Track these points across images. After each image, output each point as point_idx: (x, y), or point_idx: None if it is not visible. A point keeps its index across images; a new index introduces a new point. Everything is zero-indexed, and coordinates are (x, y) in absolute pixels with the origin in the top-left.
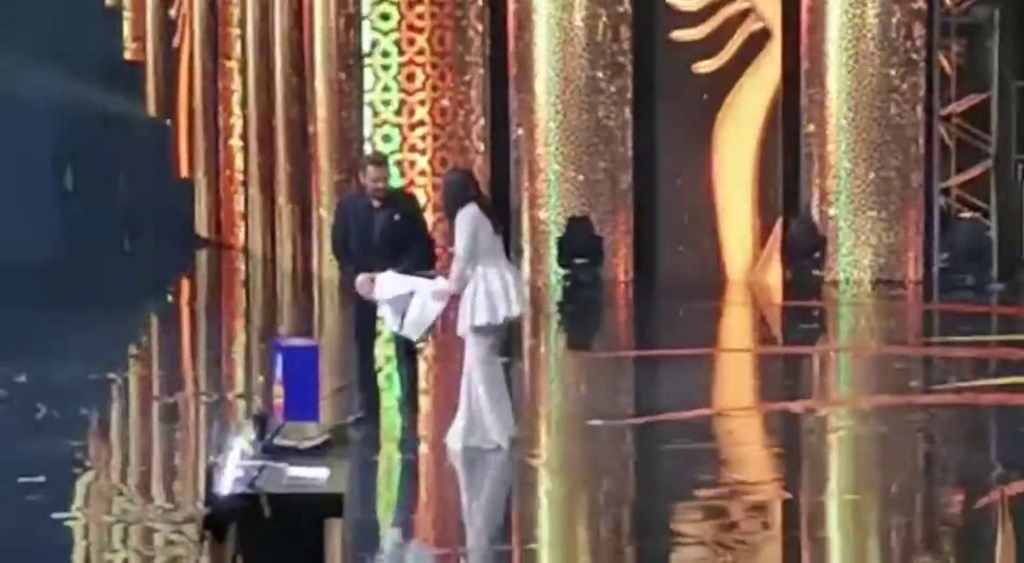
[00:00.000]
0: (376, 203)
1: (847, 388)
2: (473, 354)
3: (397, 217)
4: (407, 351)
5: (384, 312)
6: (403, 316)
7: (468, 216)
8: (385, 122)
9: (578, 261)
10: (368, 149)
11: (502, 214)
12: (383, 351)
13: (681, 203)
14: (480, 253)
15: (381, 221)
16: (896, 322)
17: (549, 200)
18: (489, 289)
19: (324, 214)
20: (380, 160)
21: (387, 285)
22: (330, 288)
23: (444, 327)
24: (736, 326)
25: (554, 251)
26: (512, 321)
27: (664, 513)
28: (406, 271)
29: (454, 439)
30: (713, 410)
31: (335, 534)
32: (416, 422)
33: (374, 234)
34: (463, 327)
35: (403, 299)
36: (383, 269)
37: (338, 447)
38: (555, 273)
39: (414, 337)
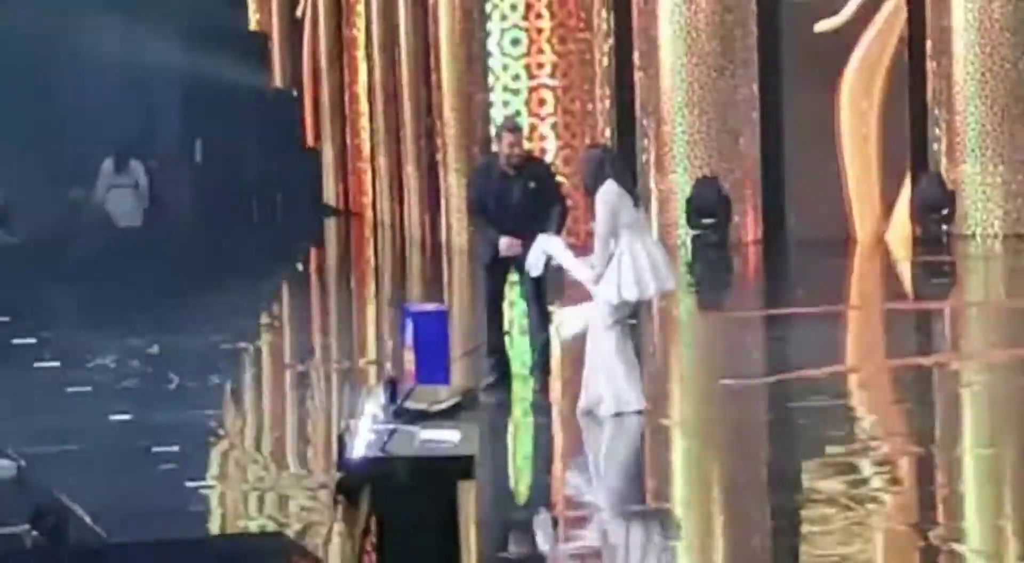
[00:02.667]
0: (511, 171)
1: (979, 342)
2: (601, 321)
3: (532, 185)
4: (540, 315)
5: (536, 261)
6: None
7: (607, 194)
8: (506, 88)
9: (707, 221)
10: (499, 117)
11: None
12: (513, 316)
13: (809, 160)
14: (623, 228)
15: (517, 189)
16: None
17: (676, 161)
18: (636, 264)
19: (452, 181)
20: (515, 127)
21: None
22: (458, 255)
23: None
24: (866, 283)
25: (683, 211)
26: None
27: (796, 470)
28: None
29: (585, 404)
30: (845, 367)
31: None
32: (547, 387)
33: (511, 202)
34: (608, 301)
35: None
36: (523, 236)
37: (468, 410)
38: (684, 234)
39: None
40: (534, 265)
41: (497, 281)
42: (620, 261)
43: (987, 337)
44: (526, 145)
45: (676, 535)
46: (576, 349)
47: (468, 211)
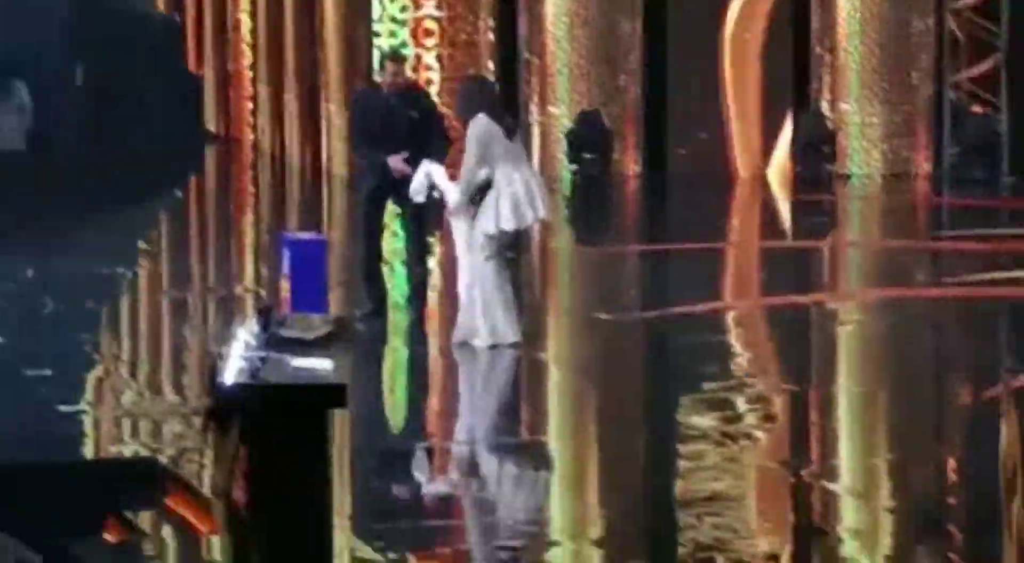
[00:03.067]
0: (393, 100)
1: (856, 281)
2: (480, 254)
3: (415, 114)
4: (419, 246)
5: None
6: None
7: (476, 126)
8: (393, 19)
9: (587, 155)
10: (384, 46)
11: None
12: (392, 246)
13: (690, 97)
14: (496, 160)
15: (400, 118)
16: (906, 215)
17: (558, 95)
18: (514, 193)
19: (333, 109)
20: (397, 56)
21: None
22: (339, 184)
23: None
24: (745, 220)
25: (564, 145)
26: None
27: (671, 406)
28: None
29: (461, 335)
30: (722, 303)
31: (339, 425)
32: (424, 318)
33: (393, 130)
34: (485, 231)
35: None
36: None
37: (343, 339)
38: (564, 167)
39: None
40: (417, 191)
41: (377, 210)
42: (498, 192)
43: (864, 276)
44: (411, 75)
45: (550, 469)
46: (454, 280)
47: (351, 138)
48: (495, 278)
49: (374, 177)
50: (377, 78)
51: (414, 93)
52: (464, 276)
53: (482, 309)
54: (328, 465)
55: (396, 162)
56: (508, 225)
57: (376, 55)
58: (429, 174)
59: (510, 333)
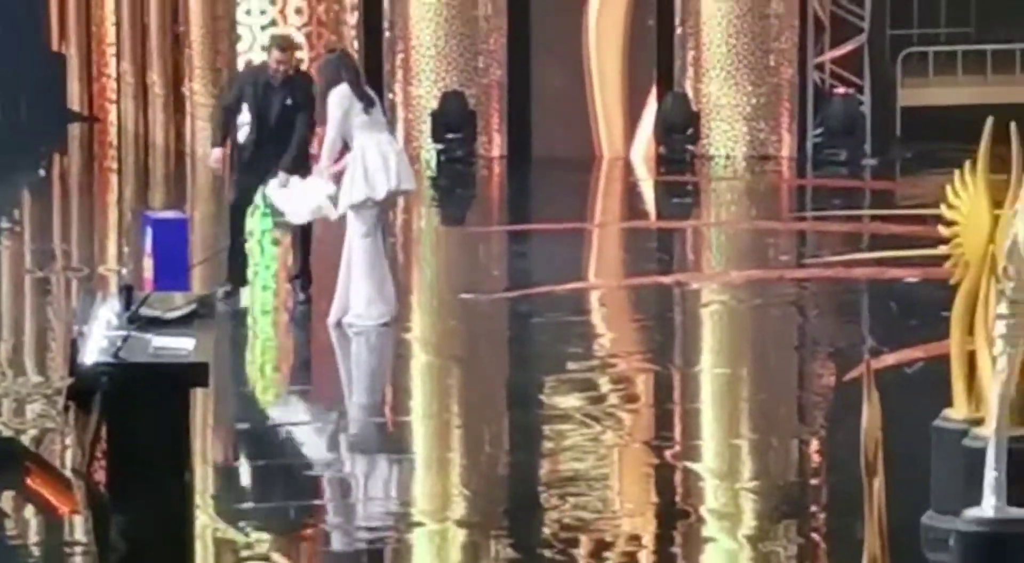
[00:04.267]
0: (276, 83)
1: (719, 262)
2: (353, 230)
3: (290, 101)
4: (302, 228)
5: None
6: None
7: (336, 96)
8: None
9: (451, 136)
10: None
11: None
12: (259, 225)
13: (554, 77)
14: (354, 131)
15: (277, 102)
16: (769, 197)
17: (423, 75)
18: (367, 165)
19: (196, 88)
20: (286, 45)
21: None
22: (202, 163)
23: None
24: (609, 201)
25: (427, 126)
26: (399, 195)
27: (535, 386)
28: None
29: (334, 315)
30: (586, 284)
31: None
32: (296, 297)
33: (269, 113)
34: (343, 205)
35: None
36: (270, 149)
37: (204, 317)
38: (429, 148)
39: (299, 221)
40: (295, 215)
41: (243, 189)
42: (354, 163)
43: (727, 257)
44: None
45: (414, 449)
46: (327, 259)
47: (223, 107)
48: (370, 255)
49: (241, 154)
50: (265, 58)
51: (296, 78)
52: (344, 254)
53: (356, 287)
54: (189, 444)
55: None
56: (359, 195)
57: (264, 38)
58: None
59: (384, 313)
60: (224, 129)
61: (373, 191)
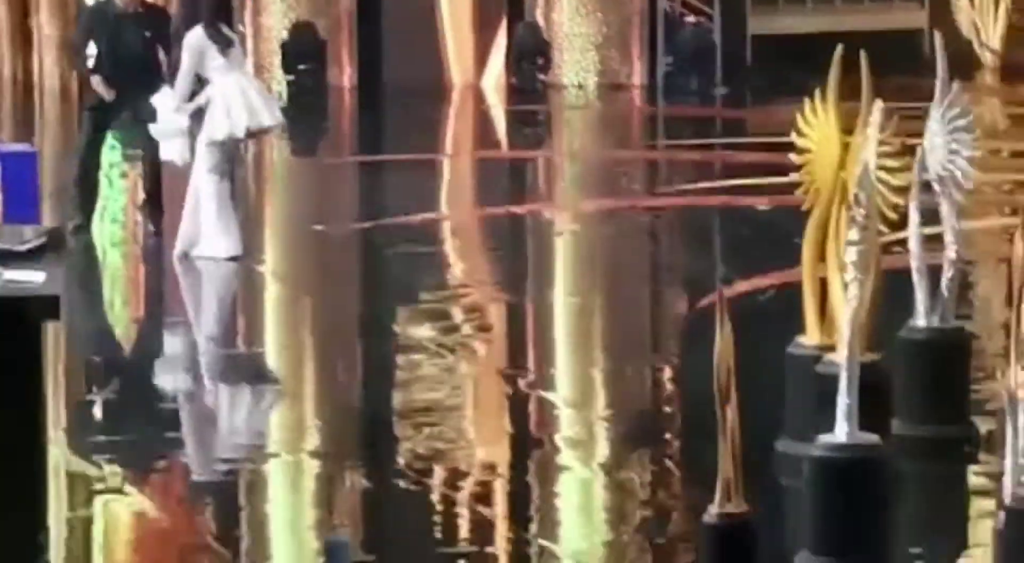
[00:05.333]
0: (128, 17)
1: (572, 192)
2: (202, 164)
3: (148, 34)
4: (151, 161)
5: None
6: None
7: (191, 38)
8: None
9: (302, 66)
10: None
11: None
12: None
13: (405, 7)
14: (212, 72)
15: (131, 35)
16: (621, 126)
17: (273, 6)
18: (228, 103)
19: (44, 21)
20: None
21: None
22: (51, 95)
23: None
24: (460, 131)
25: (278, 57)
26: (263, 133)
27: (388, 317)
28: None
29: (180, 246)
30: (438, 214)
31: (52, 337)
32: (147, 227)
33: (124, 47)
34: (202, 142)
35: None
36: (127, 83)
37: (55, 250)
38: (279, 80)
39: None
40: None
41: (98, 123)
42: (213, 101)
43: (579, 187)
44: None
45: (268, 381)
46: (177, 192)
47: (74, 51)
48: (217, 189)
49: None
50: None
51: (152, 11)
52: (191, 187)
53: (203, 220)
54: (41, 378)
55: (97, 84)
56: (221, 132)
57: None
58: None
59: (230, 247)
60: (83, 64)
61: (235, 128)
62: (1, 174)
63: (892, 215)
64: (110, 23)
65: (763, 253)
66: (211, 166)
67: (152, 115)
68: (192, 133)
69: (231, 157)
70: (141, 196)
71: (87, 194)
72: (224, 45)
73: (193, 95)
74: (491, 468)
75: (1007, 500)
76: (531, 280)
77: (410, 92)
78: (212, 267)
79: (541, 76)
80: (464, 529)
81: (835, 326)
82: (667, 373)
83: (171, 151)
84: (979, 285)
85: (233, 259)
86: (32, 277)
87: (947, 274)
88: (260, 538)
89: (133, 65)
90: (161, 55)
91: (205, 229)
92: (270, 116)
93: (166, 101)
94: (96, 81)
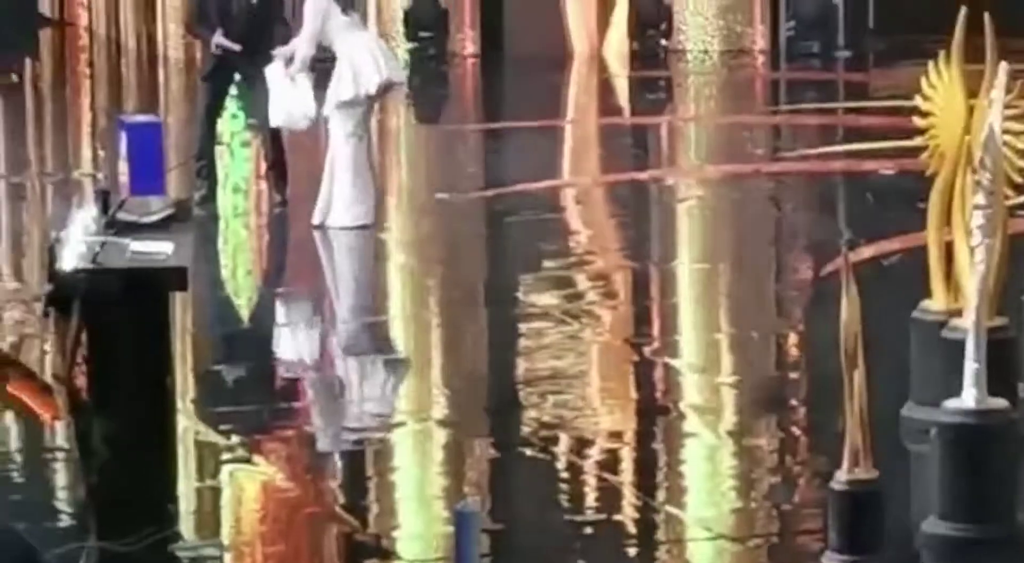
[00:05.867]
0: None
1: (696, 157)
2: (338, 131)
3: (255, 1)
4: (273, 131)
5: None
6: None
7: (313, 3)
8: None
9: (424, 34)
10: None
11: None
12: (230, 127)
13: None
14: (335, 33)
15: (239, 2)
16: (743, 91)
17: None
18: (355, 62)
19: None
20: None
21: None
22: (174, 67)
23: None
24: (582, 98)
25: (400, 25)
26: (390, 89)
27: (512, 285)
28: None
29: (319, 215)
30: (561, 181)
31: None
32: (273, 198)
33: (233, 13)
34: (331, 104)
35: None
36: (245, 48)
37: (181, 221)
38: (402, 47)
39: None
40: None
41: (216, 93)
42: (339, 64)
43: (702, 152)
44: None
45: (395, 350)
46: (307, 163)
47: (188, 22)
48: (354, 156)
49: (212, 61)
50: None
51: None
52: (329, 155)
53: (338, 188)
54: (169, 349)
55: (220, 38)
56: (347, 94)
57: None
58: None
59: (360, 214)
60: (206, 32)
61: (363, 87)
62: (127, 146)
63: (1018, 179)
64: None
65: (888, 218)
66: (348, 131)
67: (265, 83)
68: (317, 98)
69: (365, 119)
70: (264, 165)
71: (210, 164)
72: (346, 4)
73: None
74: (617, 436)
75: None
76: (655, 247)
77: (532, 60)
78: (338, 236)
79: (663, 42)
80: (591, 497)
81: (961, 291)
82: (793, 339)
83: (292, 120)
84: None
85: (363, 227)
86: (159, 248)
87: None
88: (388, 507)
89: (246, 26)
90: (282, 20)
91: (338, 196)
92: (398, 72)
93: (278, 72)
94: (218, 38)
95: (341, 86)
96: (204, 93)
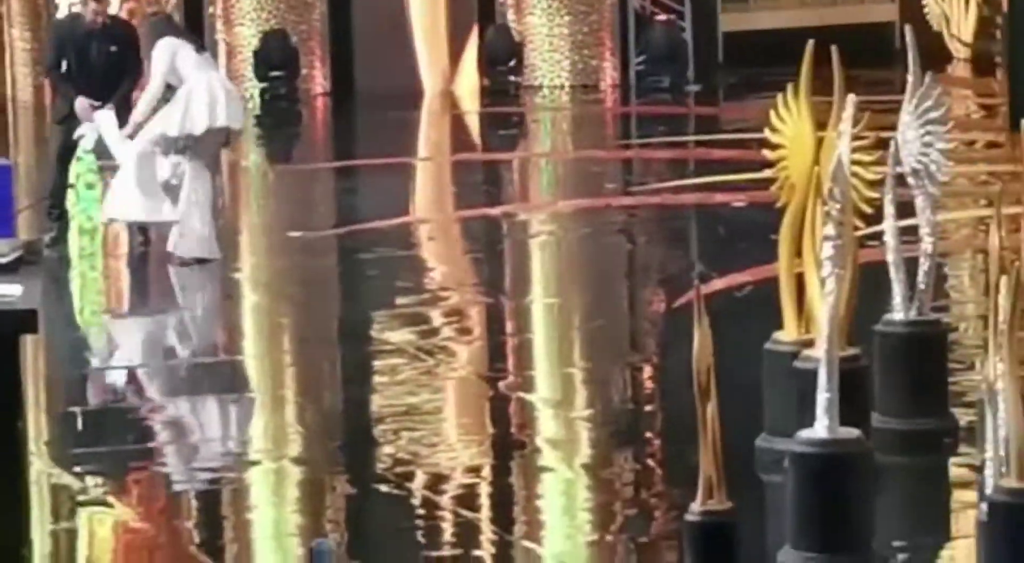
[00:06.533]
0: (93, 34)
1: (547, 192)
2: (192, 166)
3: (114, 48)
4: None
5: (89, 133)
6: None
7: (164, 44)
8: None
9: (274, 74)
10: None
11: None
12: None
13: (376, 13)
14: (186, 71)
15: (97, 50)
16: (594, 125)
17: (245, 16)
18: (190, 100)
19: (15, 34)
20: None
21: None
22: (23, 110)
23: None
24: (434, 135)
25: (250, 65)
26: (224, 133)
27: (365, 321)
28: (118, 107)
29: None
30: (414, 218)
31: (30, 351)
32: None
33: (91, 62)
34: (151, 134)
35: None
36: (100, 97)
37: (31, 264)
38: (252, 87)
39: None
40: (86, 138)
41: (68, 137)
42: (176, 99)
43: (554, 187)
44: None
45: (248, 388)
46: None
47: (46, 67)
48: (203, 195)
49: (66, 105)
50: (78, 8)
51: (118, 25)
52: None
53: (188, 225)
54: (20, 391)
55: (83, 106)
56: (200, 126)
57: None
58: (98, 126)
59: (211, 249)
60: (63, 85)
61: (213, 119)
62: None
63: (867, 209)
64: (78, 38)
65: (739, 250)
66: (198, 168)
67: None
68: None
69: (178, 148)
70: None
71: (60, 206)
72: (198, 46)
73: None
74: (473, 470)
75: (989, 492)
76: (508, 281)
77: (383, 97)
78: (189, 271)
79: (513, 78)
80: (448, 533)
81: (813, 321)
82: (647, 372)
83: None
84: (955, 277)
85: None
86: (9, 291)
87: (923, 267)
88: (244, 546)
89: (101, 78)
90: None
91: (119, 189)
92: (236, 119)
93: (108, 120)
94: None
95: (195, 119)
96: (57, 135)
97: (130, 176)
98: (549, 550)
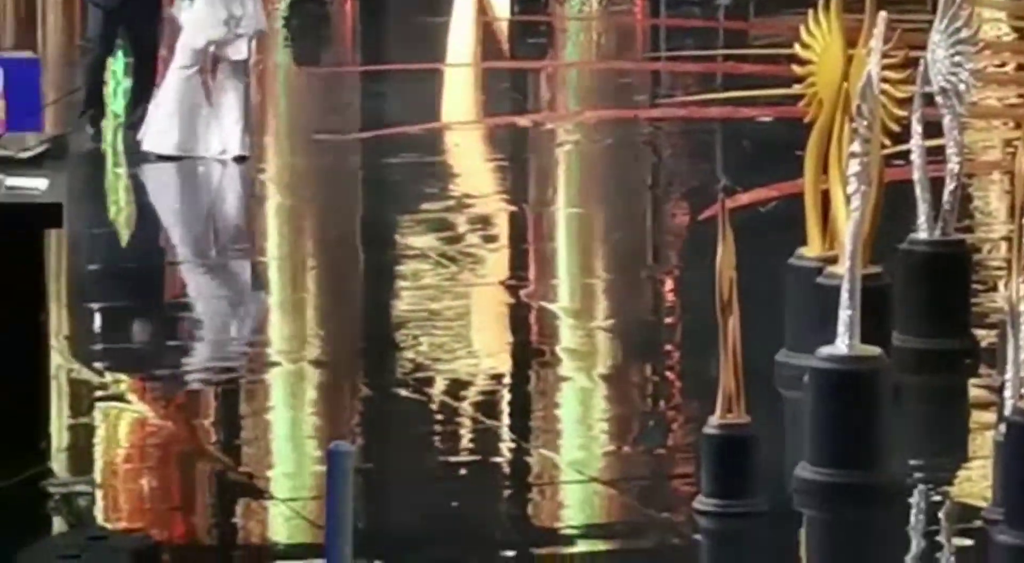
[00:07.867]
0: None
1: (574, 102)
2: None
3: None
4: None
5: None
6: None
7: None
8: None
9: None
10: None
11: None
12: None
13: None
14: None
15: None
16: (623, 37)
17: None
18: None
19: None
20: None
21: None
22: (53, 2)
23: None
24: (463, 41)
25: None
26: (246, 37)
27: (390, 226)
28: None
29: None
30: (441, 124)
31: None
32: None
33: None
34: (193, 40)
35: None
36: None
37: (57, 158)
38: None
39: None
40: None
41: (109, 30)
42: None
43: (581, 97)
44: None
45: (269, 288)
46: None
47: None
48: (182, 89)
49: None
50: None
51: None
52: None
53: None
54: (44, 284)
55: None
56: (217, 34)
57: None
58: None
59: (175, 146)
60: None
61: (231, 30)
62: (4, 82)
63: (894, 127)
64: None
65: (765, 165)
66: (188, 65)
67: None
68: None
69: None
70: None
71: (93, 98)
72: None
73: None
74: (492, 378)
75: (1008, 412)
76: (533, 190)
77: (413, 1)
78: (216, 175)
79: None
80: (465, 439)
81: (837, 238)
82: (668, 284)
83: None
84: (981, 198)
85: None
86: (34, 184)
87: (949, 187)
88: (261, 446)
89: None
90: None
91: (156, 120)
92: (249, 27)
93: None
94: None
95: (210, 27)
96: (99, 27)
97: (171, 105)
98: (565, 458)
